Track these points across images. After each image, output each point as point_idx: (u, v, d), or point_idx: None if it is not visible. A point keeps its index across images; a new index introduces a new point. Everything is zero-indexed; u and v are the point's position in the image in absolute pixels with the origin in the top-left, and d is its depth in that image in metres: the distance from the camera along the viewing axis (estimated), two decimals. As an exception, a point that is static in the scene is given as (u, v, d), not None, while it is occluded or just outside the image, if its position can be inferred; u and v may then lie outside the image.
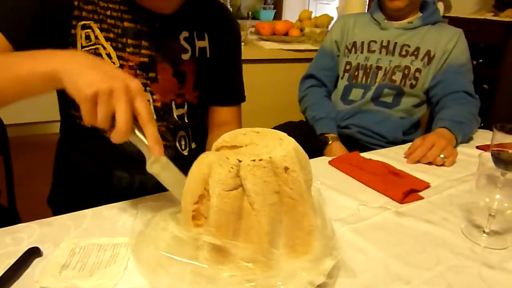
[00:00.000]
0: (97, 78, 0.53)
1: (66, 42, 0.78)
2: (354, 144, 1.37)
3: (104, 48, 0.79)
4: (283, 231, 0.54)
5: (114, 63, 0.80)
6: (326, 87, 1.52)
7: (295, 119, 1.52)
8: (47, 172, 0.98)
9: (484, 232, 0.71)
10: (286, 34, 2.24)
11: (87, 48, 0.78)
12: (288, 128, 1.39)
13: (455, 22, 2.62)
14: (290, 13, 4.62)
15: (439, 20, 1.41)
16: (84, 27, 0.77)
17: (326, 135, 1.33)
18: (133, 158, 0.87)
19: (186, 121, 0.93)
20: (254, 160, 0.50)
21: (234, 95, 1.04)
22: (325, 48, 1.55)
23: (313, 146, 1.30)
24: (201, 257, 0.53)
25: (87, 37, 0.77)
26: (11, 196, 1.08)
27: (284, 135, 0.58)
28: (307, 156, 0.58)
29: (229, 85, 1.03)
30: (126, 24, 0.80)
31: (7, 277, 0.53)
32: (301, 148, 0.57)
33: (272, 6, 4.64)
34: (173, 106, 0.90)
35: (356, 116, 1.41)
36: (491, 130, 0.90)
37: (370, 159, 1.01)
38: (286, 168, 0.51)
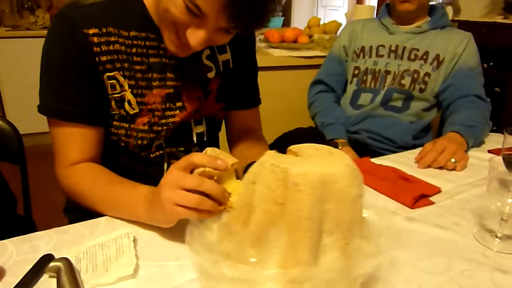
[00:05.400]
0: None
1: (104, 94, 0.80)
2: (363, 149, 1.37)
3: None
4: (281, 247, 0.51)
5: (133, 108, 0.81)
6: (335, 93, 1.53)
7: (305, 125, 1.53)
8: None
9: (496, 236, 0.70)
10: (295, 41, 2.25)
11: (113, 96, 0.80)
12: (297, 134, 1.41)
13: (465, 25, 2.60)
14: (299, 20, 4.65)
15: (447, 24, 1.41)
16: (109, 78, 0.78)
17: (336, 140, 1.34)
18: (146, 174, 0.88)
19: (205, 139, 0.94)
20: (273, 164, 0.51)
21: (257, 96, 1.05)
22: (334, 53, 1.56)
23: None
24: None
25: (113, 87, 0.79)
26: (27, 205, 1.10)
27: (350, 164, 0.53)
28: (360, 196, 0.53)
29: (251, 88, 1.03)
30: (151, 59, 0.81)
31: (23, 283, 0.55)
32: (356, 184, 0.52)
33: (281, 13, 4.66)
34: (192, 123, 0.91)
35: (366, 121, 1.41)
36: (503, 133, 0.89)
37: (381, 164, 1.01)
38: (295, 185, 0.49)
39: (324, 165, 0.51)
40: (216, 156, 0.61)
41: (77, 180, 0.78)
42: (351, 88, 1.48)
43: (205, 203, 0.58)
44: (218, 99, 0.94)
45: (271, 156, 0.54)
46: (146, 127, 0.83)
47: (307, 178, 0.49)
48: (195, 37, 0.70)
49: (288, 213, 0.50)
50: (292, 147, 0.58)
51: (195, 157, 0.60)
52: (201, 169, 0.60)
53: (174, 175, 0.60)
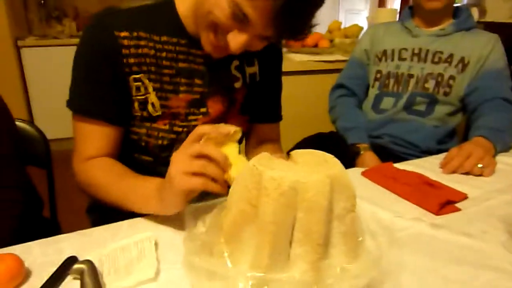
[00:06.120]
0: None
1: (128, 95, 0.81)
2: (386, 154, 1.34)
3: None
4: (252, 247, 0.52)
5: (156, 111, 0.83)
6: (357, 97, 1.51)
7: (326, 130, 1.51)
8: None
9: (526, 245, 0.68)
10: (316, 45, 2.24)
11: (137, 98, 0.81)
12: (318, 139, 1.40)
13: (491, 27, 2.53)
14: (320, 24, 4.63)
15: (473, 26, 1.38)
16: (134, 80, 0.80)
17: (358, 145, 1.32)
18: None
19: None
20: (254, 165, 0.52)
21: (279, 112, 1.07)
22: (355, 57, 1.54)
23: (345, 157, 1.29)
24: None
25: (137, 89, 0.81)
26: (53, 208, 1.13)
27: (338, 175, 0.53)
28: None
29: (274, 103, 1.05)
30: (180, 64, 0.83)
31: (48, 285, 0.56)
32: (338, 198, 0.52)
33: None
34: None
35: (388, 125, 1.38)
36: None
37: (404, 169, 0.99)
38: (265, 188, 0.50)
39: (305, 172, 0.51)
40: (219, 125, 0.66)
41: (91, 173, 0.80)
42: (373, 92, 1.46)
43: (209, 167, 0.62)
44: (243, 111, 0.95)
45: (258, 157, 0.55)
46: (167, 127, 0.85)
47: (277, 183, 0.49)
48: (237, 41, 0.71)
49: (258, 216, 0.51)
50: (293, 152, 0.58)
51: (200, 128, 0.65)
52: (206, 137, 0.65)
53: (183, 147, 0.65)
